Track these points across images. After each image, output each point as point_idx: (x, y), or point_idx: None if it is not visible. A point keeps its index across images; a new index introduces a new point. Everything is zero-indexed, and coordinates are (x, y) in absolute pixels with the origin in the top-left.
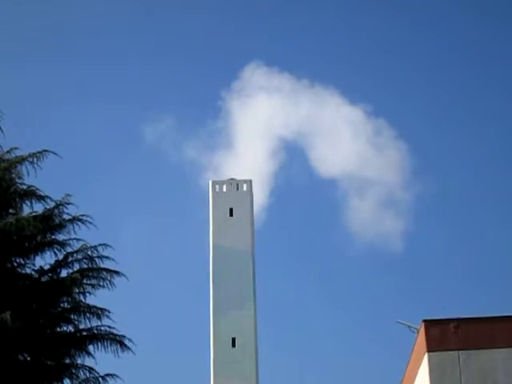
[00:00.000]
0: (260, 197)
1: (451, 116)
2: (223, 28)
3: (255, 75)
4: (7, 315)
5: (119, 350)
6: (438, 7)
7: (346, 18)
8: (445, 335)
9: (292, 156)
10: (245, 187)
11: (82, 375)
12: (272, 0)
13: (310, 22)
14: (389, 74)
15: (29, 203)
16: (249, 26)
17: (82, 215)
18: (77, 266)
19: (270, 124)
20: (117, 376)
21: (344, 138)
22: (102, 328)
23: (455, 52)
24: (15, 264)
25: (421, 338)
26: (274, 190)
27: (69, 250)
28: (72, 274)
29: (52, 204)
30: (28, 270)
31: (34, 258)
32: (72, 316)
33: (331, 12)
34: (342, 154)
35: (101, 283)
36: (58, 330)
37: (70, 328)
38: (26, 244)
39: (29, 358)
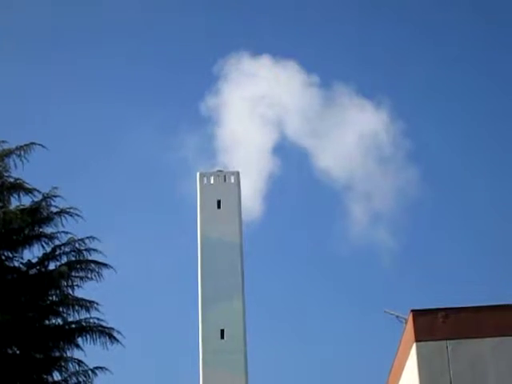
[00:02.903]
0: (251, 189)
1: (469, 138)
2: (213, 14)
3: (253, 65)
4: None
5: (108, 343)
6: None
7: (359, 14)
8: (433, 325)
9: (288, 151)
10: (232, 179)
11: (71, 368)
12: None
13: (319, 14)
14: (411, 76)
15: (16, 196)
16: (246, 13)
17: (70, 208)
18: (65, 259)
19: (266, 117)
20: (106, 369)
21: (348, 140)
22: (91, 320)
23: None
24: (3, 257)
25: (409, 327)
26: (266, 182)
27: (57, 242)
28: (60, 266)
29: (39, 197)
30: (16, 263)
31: (22, 251)
32: (60, 309)
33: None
34: (343, 156)
35: (89, 275)
36: (47, 322)
37: (59, 321)
38: (14, 237)
39: (18, 352)
